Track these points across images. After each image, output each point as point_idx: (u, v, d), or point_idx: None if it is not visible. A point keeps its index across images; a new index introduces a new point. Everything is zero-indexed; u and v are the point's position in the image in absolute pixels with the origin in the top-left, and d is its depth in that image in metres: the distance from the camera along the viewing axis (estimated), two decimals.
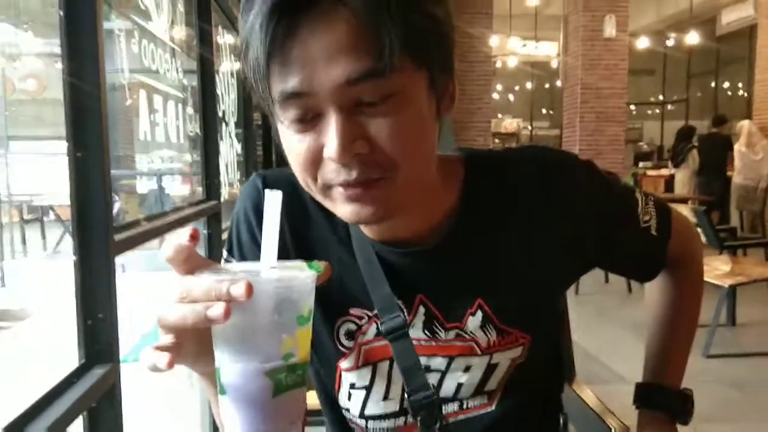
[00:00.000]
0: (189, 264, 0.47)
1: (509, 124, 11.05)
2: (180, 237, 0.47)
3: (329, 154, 0.54)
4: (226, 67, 2.45)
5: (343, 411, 0.75)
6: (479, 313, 0.69)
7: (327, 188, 0.57)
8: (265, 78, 0.53)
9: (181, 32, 1.78)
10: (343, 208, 0.58)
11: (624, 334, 3.82)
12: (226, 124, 2.38)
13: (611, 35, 6.50)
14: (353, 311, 0.70)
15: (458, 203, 0.68)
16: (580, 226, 0.71)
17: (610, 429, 0.89)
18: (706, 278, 3.45)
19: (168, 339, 0.47)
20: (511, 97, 15.09)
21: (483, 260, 0.69)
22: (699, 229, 3.70)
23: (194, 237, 0.47)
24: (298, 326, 0.46)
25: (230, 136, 2.43)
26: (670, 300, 0.88)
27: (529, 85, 14.23)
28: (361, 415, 0.73)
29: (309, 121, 0.54)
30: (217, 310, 0.42)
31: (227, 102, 2.39)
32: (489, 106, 7.40)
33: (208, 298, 0.44)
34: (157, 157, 2.08)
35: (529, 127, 13.47)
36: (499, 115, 11.71)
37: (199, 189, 1.94)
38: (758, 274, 3.60)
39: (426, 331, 0.70)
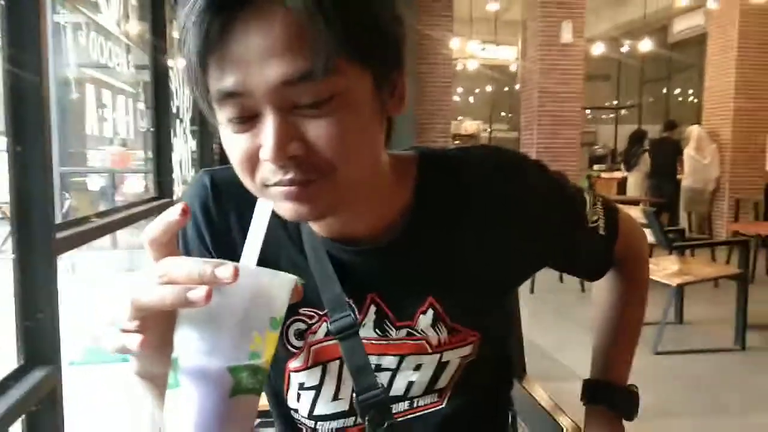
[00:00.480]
0: (168, 250, 0.45)
1: (469, 126, 11.17)
2: (169, 213, 0.45)
3: (264, 155, 0.53)
4: (182, 62, 2.40)
5: (292, 412, 0.74)
6: (430, 312, 0.69)
7: (264, 187, 0.56)
8: (201, 76, 0.52)
9: (133, 26, 1.73)
10: (281, 206, 0.57)
11: (578, 331, 3.90)
12: (181, 121, 2.33)
13: (568, 41, 6.62)
14: (303, 310, 0.69)
15: (412, 201, 0.67)
16: (532, 226, 0.71)
17: (561, 428, 0.90)
18: (655, 278, 3.55)
19: (135, 324, 0.45)
20: (471, 99, 15.26)
21: (435, 259, 0.68)
22: (648, 230, 3.82)
23: (185, 212, 0.45)
24: (269, 328, 0.45)
25: (185, 133, 2.38)
26: (617, 299, 0.89)
27: (489, 88, 14.41)
28: (310, 416, 0.72)
29: (246, 121, 0.53)
30: (198, 292, 0.41)
31: (181, 98, 2.34)
32: (449, 108, 7.45)
33: (190, 280, 0.42)
34: (110, 153, 2.03)
35: (489, 130, 13.66)
36: (459, 118, 11.82)
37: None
38: (705, 273, 3.73)
39: (377, 330, 0.69)
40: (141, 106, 1.77)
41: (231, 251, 0.61)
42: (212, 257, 0.63)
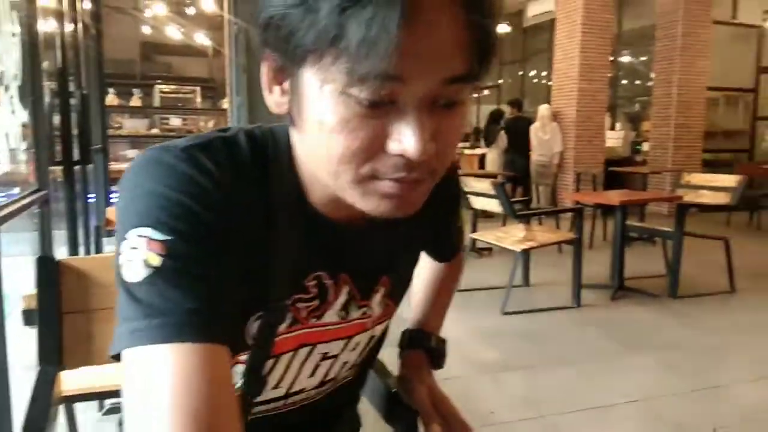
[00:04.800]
0: None
1: None
2: None
3: (405, 149, 0.50)
4: (7, 27, 2.19)
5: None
6: (381, 290, 0.75)
7: (371, 179, 0.53)
8: (368, 50, 0.46)
9: None
10: (379, 202, 0.54)
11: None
12: (6, 89, 2.13)
13: None
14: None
15: None
16: (444, 215, 0.85)
17: (389, 387, 0.95)
18: (503, 244, 3.82)
19: None
20: None
21: (392, 242, 0.74)
22: (497, 201, 4.09)
23: None
24: None
25: (11, 103, 2.18)
26: (441, 270, 1.02)
27: None
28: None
29: (382, 106, 0.50)
30: None
31: (7, 64, 2.13)
32: None
33: None
34: None
35: None
36: None
37: None
38: (546, 239, 4.08)
39: (342, 311, 0.72)
40: None
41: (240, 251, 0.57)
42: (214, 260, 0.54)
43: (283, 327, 0.67)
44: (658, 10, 8.43)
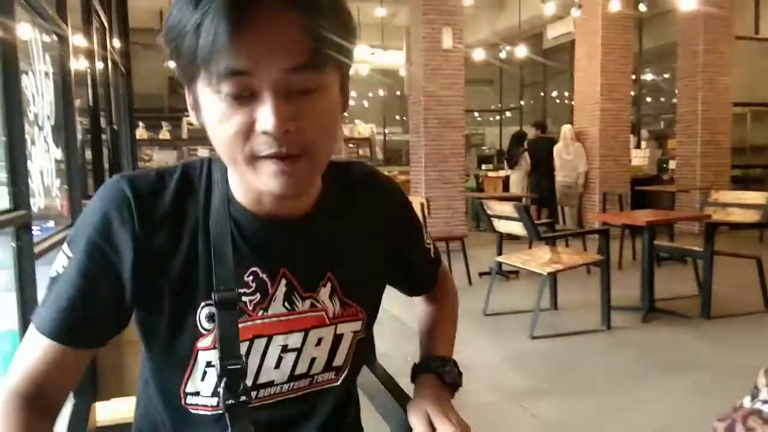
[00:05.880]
0: None
1: (362, 129, 11.31)
2: None
3: (265, 126, 0.63)
4: (41, 67, 2.28)
5: (188, 398, 0.78)
6: (329, 285, 0.81)
7: (254, 159, 0.65)
8: (217, 54, 0.60)
9: None
10: (269, 181, 0.66)
11: (461, 320, 4.09)
12: (41, 128, 2.21)
13: (449, 46, 6.90)
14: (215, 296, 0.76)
15: (321, 192, 0.81)
16: (395, 226, 0.89)
17: (403, 409, 0.93)
18: (530, 267, 3.78)
19: None
20: (365, 103, 15.46)
21: (334, 240, 0.82)
22: (520, 223, 4.07)
23: None
24: None
25: (45, 141, 2.26)
26: (439, 304, 1.05)
27: (381, 93, 14.67)
28: (214, 393, 0.76)
29: (245, 98, 0.63)
30: None
31: (41, 104, 2.22)
32: None
33: None
34: None
35: (383, 133, 13.89)
36: (356, 121, 11.95)
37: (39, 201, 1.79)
38: (572, 261, 4.04)
39: (286, 303, 0.78)
40: None
41: (152, 254, 0.72)
42: (126, 261, 0.71)
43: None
44: (679, 27, 8.39)
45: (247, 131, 0.64)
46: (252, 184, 0.69)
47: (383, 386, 1.04)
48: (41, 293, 1.51)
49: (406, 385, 0.96)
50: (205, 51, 0.60)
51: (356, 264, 0.84)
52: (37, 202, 2.10)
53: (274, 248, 0.77)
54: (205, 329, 0.75)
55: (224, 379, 0.74)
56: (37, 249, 1.69)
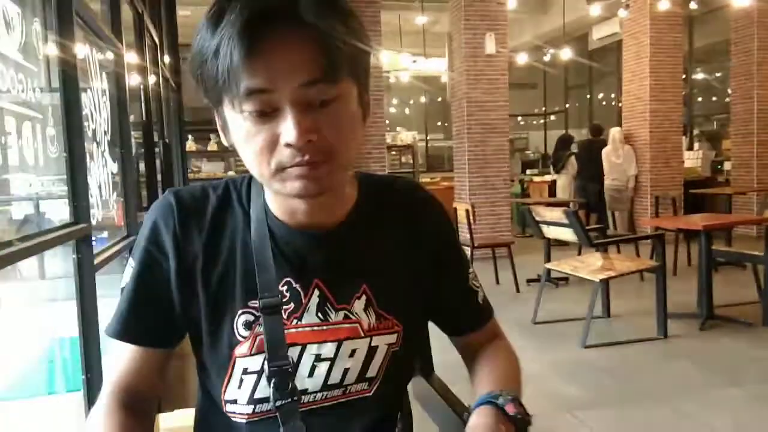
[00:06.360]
0: None
1: (405, 136, 11.31)
2: None
3: (288, 139, 0.66)
4: (98, 84, 2.37)
5: (227, 405, 0.79)
6: (363, 297, 0.81)
7: (280, 170, 0.69)
8: (235, 75, 0.64)
9: (40, 50, 1.70)
10: (293, 185, 0.69)
11: (510, 328, 4.03)
12: (98, 144, 2.29)
13: (492, 52, 6.84)
14: (252, 303, 0.78)
15: (356, 203, 0.83)
16: (437, 249, 0.87)
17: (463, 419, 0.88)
18: (581, 274, 3.70)
19: None
20: (407, 111, 15.48)
21: (369, 252, 0.82)
22: (570, 229, 3.99)
23: None
24: None
25: (103, 156, 2.34)
26: (500, 357, 0.93)
27: (423, 99, 14.67)
28: (250, 400, 0.78)
29: (267, 114, 0.67)
30: None
31: (98, 121, 2.30)
32: (382, 120, 7.53)
33: None
34: (37, 180, 1.98)
35: (425, 139, 13.87)
36: (398, 129, 11.96)
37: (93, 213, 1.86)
38: (625, 268, 3.92)
39: (319, 314, 0.79)
40: (51, 131, 1.74)
41: (192, 259, 0.77)
42: (172, 265, 0.77)
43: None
44: (731, 25, 8.10)
45: (272, 146, 0.67)
46: (280, 193, 0.73)
47: (440, 397, 1.03)
48: (100, 303, 1.56)
49: (460, 393, 0.94)
50: (224, 74, 0.64)
51: (393, 276, 0.83)
52: (95, 215, 2.17)
53: (306, 259, 0.79)
54: (242, 336, 0.77)
55: (273, 380, 0.75)
56: (96, 260, 1.74)
